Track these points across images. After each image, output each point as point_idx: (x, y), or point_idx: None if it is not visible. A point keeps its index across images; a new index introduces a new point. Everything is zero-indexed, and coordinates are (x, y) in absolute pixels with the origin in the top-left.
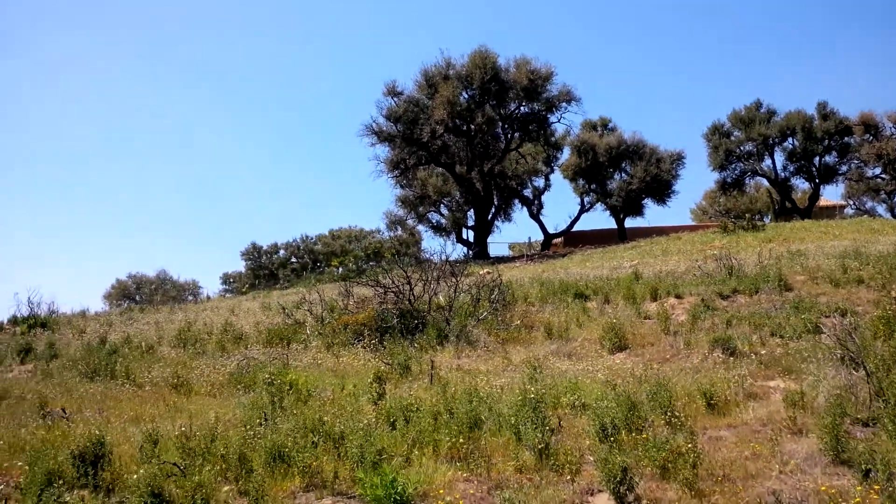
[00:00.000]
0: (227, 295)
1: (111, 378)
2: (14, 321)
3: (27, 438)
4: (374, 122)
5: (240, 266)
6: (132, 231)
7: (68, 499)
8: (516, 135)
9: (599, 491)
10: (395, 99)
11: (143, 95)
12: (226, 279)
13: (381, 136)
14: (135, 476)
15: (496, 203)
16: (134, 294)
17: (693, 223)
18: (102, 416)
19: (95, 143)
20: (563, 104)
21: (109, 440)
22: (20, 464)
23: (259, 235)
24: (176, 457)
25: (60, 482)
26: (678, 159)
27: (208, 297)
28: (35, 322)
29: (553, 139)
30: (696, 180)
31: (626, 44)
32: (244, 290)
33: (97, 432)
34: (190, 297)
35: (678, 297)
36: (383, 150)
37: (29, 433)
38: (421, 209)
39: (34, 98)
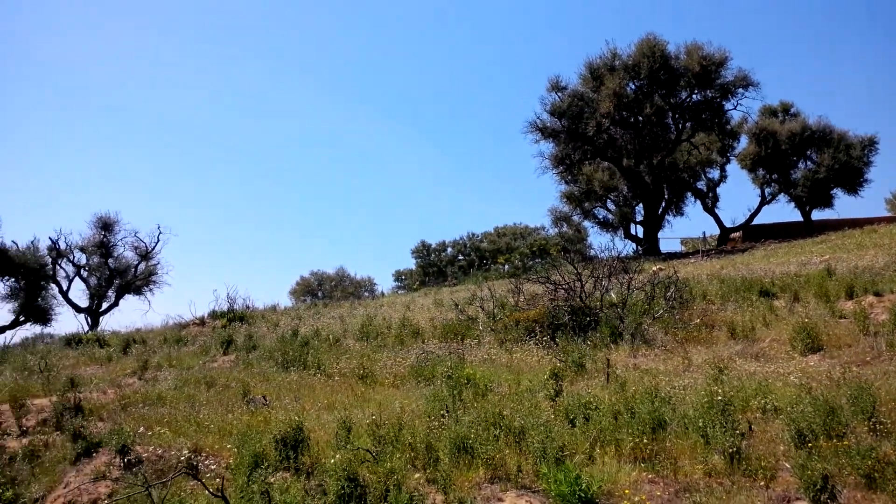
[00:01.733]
0: (400, 291)
1: (304, 368)
2: (214, 315)
3: (234, 423)
4: (537, 118)
5: (410, 263)
6: (314, 231)
7: (272, 480)
8: (688, 124)
9: (797, 499)
10: (559, 94)
11: (321, 106)
12: (398, 276)
13: (546, 132)
14: (332, 460)
15: (666, 197)
16: (316, 290)
17: (890, 214)
18: (298, 404)
19: (278, 154)
20: (740, 90)
21: (307, 426)
22: (229, 446)
23: (428, 234)
24: (367, 443)
25: (265, 464)
26: (870, 145)
27: (382, 294)
28: (233, 316)
29: (728, 127)
30: (892, 168)
31: (808, 20)
32: (415, 286)
33: (296, 419)
34: (366, 294)
35: (877, 294)
36: (548, 146)
37: (235, 418)
38: (587, 205)
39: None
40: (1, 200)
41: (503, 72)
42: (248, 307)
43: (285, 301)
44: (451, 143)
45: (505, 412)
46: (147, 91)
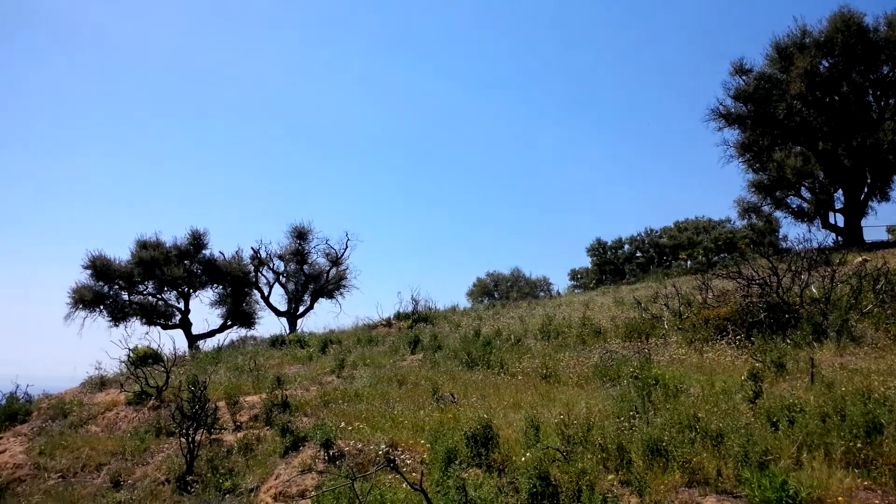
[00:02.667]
0: (576, 290)
1: (487, 367)
2: (399, 317)
3: (425, 419)
4: (720, 104)
5: (586, 262)
6: (489, 233)
7: (466, 475)
8: (891, 101)
9: None
10: (744, 77)
11: (497, 109)
12: (573, 275)
13: (730, 119)
14: (522, 459)
15: (869, 181)
16: (492, 291)
17: None
18: (485, 402)
19: (453, 158)
20: None
21: (495, 424)
22: (423, 442)
23: (604, 231)
24: (556, 443)
25: (458, 460)
26: None
27: (558, 293)
28: (418, 317)
29: None
30: None
31: None
32: (591, 285)
33: (484, 416)
34: (541, 293)
35: None
36: (732, 134)
37: (426, 415)
38: (778, 194)
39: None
40: (210, 216)
41: (678, 60)
42: (429, 308)
43: (463, 302)
44: (625, 138)
45: (700, 414)
46: (325, 101)
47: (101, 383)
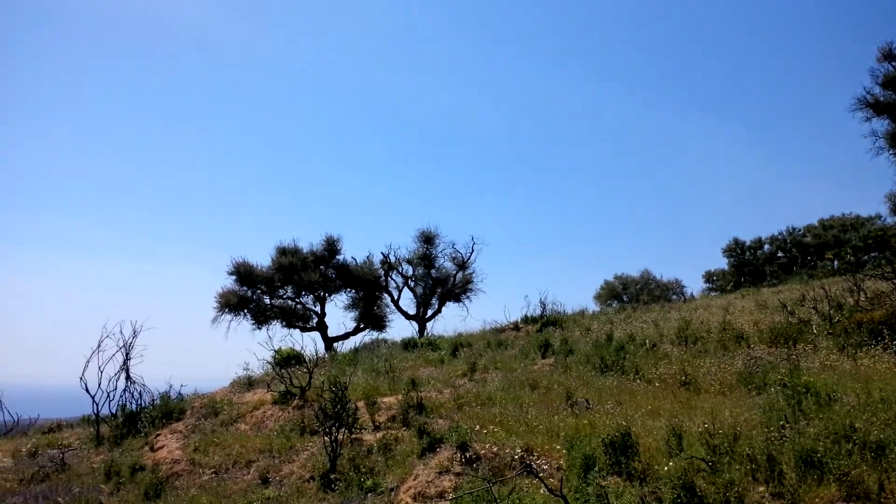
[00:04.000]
0: (712, 293)
1: (622, 373)
2: (527, 320)
3: (560, 425)
4: (867, 92)
5: (721, 263)
6: (616, 234)
7: (605, 483)
8: None
9: None
10: (893, 63)
11: (621, 104)
12: (708, 277)
13: (879, 108)
14: (665, 468)
15: None
16: (621, 294)
17: None
18: (621, 409)
19: (577, 159)
20: None
21: (634, 431)
22: (558, 447)
23: (741, 230)
24: (700, 452)
25: (596, 467)
26: None
27: (692, 296)
28: (546, 321)
29: None
30: None
31: None
32: (728, 287)
33: (623, 423)
34: (674, 296)
35: None
36: (882, 124)
37: (560, 420)
38: None
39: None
40: (342, 222)
41: (820, 47)
42: (557, 312)
43: (590, 305)
44: (759, 132)
45: (857, 424)
46: (450, 106)
47: (248, 383)
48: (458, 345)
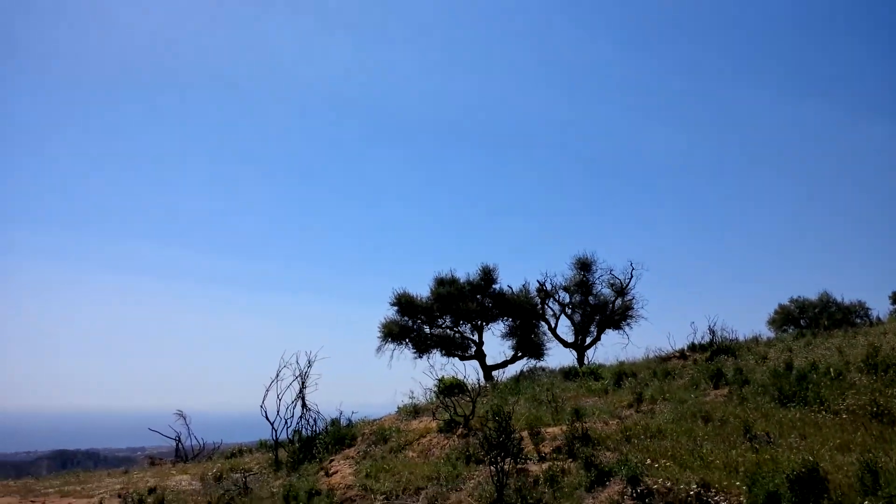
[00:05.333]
0: None
1: (804, 404)
2: (694, 348)
3: (739, 460)
4: None
5: None
6: (791, 256)
7: None
8: None
9: None
10: None
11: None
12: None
13: None
14: None
15: None
16: (798, 318)
17: None
18: (806, 443)
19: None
20: None
21: (822, 467)
22: (738, 483)
23: None
24: None
25: None
26: None
27: (878, 319)
28: (717, 348)
29: None
30: None
31: None
32: None
33: (809, 458)
34: (858, 320)
35: None
36: None
37: (739, 454)
38: None
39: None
40: (498, 254)
41: None
42: (727, 339)
43: (763, 331)
44: None
45: None
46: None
47: (414, 411)
48: (621, 374)
